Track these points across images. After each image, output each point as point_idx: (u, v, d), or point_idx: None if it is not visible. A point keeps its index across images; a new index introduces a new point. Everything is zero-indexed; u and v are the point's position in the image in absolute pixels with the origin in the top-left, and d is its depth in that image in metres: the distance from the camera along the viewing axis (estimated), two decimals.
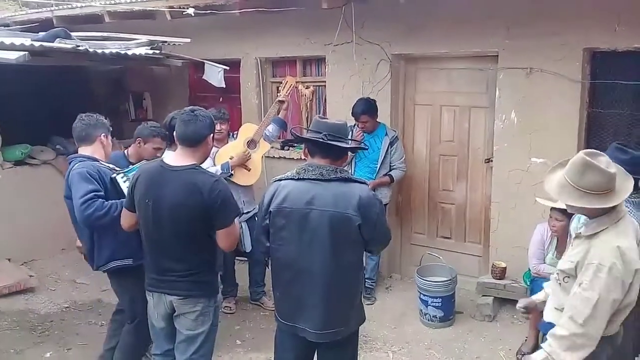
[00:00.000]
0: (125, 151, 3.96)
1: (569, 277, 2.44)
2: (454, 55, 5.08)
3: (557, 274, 2.55)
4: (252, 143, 4.83)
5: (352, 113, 4.97)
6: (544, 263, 4.18)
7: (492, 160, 5.03)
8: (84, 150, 3.35)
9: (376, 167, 4.95)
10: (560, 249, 3.95)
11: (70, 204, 3.22)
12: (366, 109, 4.92)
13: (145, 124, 3.98)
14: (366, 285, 4.76)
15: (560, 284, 2.51)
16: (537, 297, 2.86)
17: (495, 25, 4.71)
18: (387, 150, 4.97)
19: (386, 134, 5.01)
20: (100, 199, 3.09)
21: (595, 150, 2.43)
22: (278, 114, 5.00)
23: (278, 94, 5.13)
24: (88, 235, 3.30)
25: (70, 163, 3.32)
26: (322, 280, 2.62)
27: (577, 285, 2.37)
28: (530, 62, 4.60)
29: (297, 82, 5.67)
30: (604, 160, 2.36)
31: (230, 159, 4.67)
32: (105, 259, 3.30)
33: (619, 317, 2.38)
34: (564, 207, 3.80)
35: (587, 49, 4.42)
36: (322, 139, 2.64)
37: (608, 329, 2.36)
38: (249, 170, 4.75)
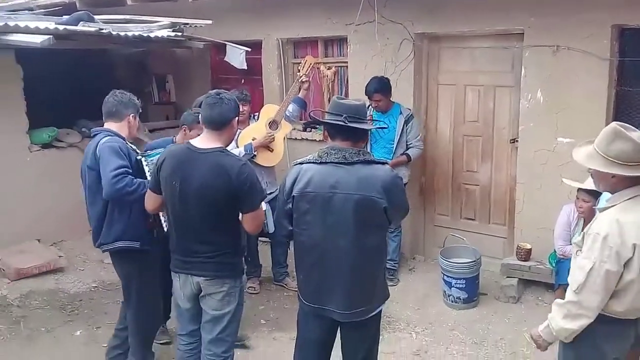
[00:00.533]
0: (173, 137, 3.98)
1: (580, 249, 2.45)
2: (478, 33, 5.00)
3: (573, 247, 2.57)
4: (273, 124, 4.84)
5: (365, 92, 4.93)
6: (570, 244, 4.13)
7: (517, 141, 4.95)
8: (111, 126, 3.35)
9: (393, 146, 4.92)
10: None
11: (93, 174, 3.20)
12: (379, 87, 4.87)
13: (189, 111, 3.97)
14: (388, 266, 4.76)
15: (574, 256, 2.52)
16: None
17: (520, 2, 4.60)
18: (402, 129, 4.91)
19: (401, 113, 4.96)
20: (130, 176, 3.13)
21: (628, 125, 2.39)
22: (298, 93, 4.99)
23: (298, 74, 5.11)
24: (99, 211, 3.27)
25: (95, 135, 3.31)
26: (346, 263, 2.63)
27: (575, 255, 2.45)
28: (556, 40, 4.50)
29: (317, 62, 5.63)
30: (635, 134, 2.32)
31: (253, 140, 4.69)
32: (113, 237, 3.28)
33: (627, 297, 2.33)
34: (591, 187, 3.78)
35: (616, 26, 4.30)
36: (343, 122, 2.62)
37: (617, 308, 2.33)
38: (271, 151, 4.77)
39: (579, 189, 3.94)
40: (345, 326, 2.79)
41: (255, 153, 4.64)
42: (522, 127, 4.85)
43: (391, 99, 5.04)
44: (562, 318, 2.38)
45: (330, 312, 2.70)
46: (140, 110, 3.52)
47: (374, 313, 2.75)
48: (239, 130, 4.64)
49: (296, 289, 4.89)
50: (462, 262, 4.69)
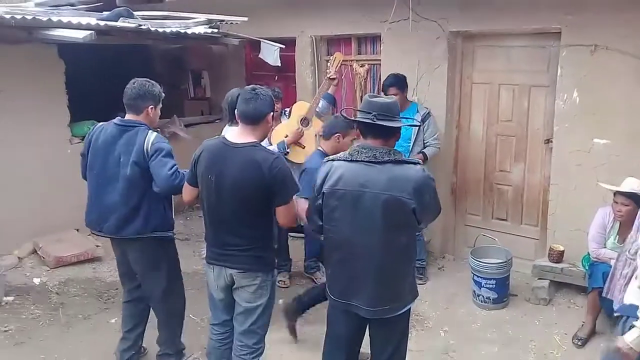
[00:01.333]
0: (321, 148, 4.05)
1: None
2: (513, 32, 4.94)
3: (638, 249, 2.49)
4: (305, 121, 4.90)
5: (382, 87, 4.94)
6: (605, 247, 4.07)
7: (551, 141, 4.89)
8: (132, 117, 3.39)
9: (409, 145, 4.89)
10: (623, 234, 3.83)
11: (137, 170, 3.25)
12: (394, 81, 4.87)
13: (337, 117, 4.01)
14: (416, 265, 4.75)
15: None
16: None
17: (558, 0, 4.53)
18: (419, 127, 4.89)
19: (417, 111, 4.94)
20: (181, 171, 3.23)
21: None
22: (328, 90, 5.02)
23: (327, 71, 5.15)
24: (135, 203, 3.31)
25: (132, 127, 3.32)
26: (374, 261, 2.65)
27: None
28: (594, 39, 4.42)
29: (346, 60, 5.64)
30: None
31: (285, 137, 4.75)
32: (152, 227, 3.35)
33: None
34: (629, 190, 3.72)
35: None
36: (372, 120, 2.64)
37: None
38: (303, 148, 4.83)
39: (617, 193, 3.88)
40: (374, 323, 2.82)
41: (289, 150, 4.70)
42: (557, 128, 4.78)
43: (408, 97, 5.04)
44: None
45: (356, 308, 2.73)
46: (162, 95, 3.47)
47: (402, 311, 2.77)
48: (272, 129, 4.72)
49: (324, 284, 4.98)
50: (492, 262, 4.66)
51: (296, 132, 4.78)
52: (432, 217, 2.84)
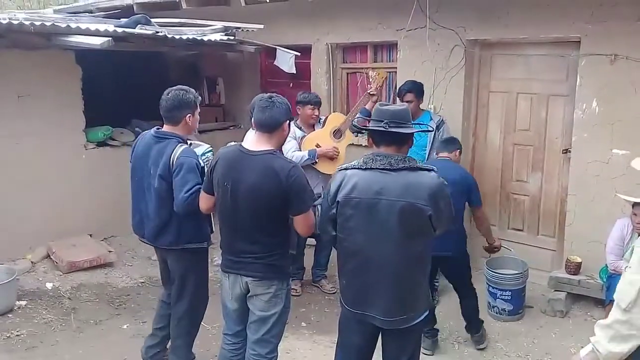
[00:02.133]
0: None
1: (629, 265, 2.32)
2: (532, 40, 4.90)
3: (623, 263, 2.43)
4: (337, 132, 4.89)
5: (397, 92, 4.89)
6: (623, 260, 3.99)
7: (570, 151, 4.82)
8: (170, 129, 3.36)
9: (425, 153, 4.84)
10: None
11: (164, 184, 3.24)
12: (412, 87, 4.81)
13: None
14: None
15: (623, 273, 2.38)
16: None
17: (577, 9, 4.49)
18: (434, 135, 4.82)
19: (431, 119, 4.88)
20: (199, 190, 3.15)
21: None
22: (366, 104, 4.95)
23: (368, 86, 5.07)
24: (167, 215, 3.31)
25: (162, 139, 3.31)
26: (390, 270, 2.61)
27: (625, 270, 2.25)
28: (614, 49, 4.36)
29: (364, 67, 5.62)
30: None
31: (317, 146, 4.73)
32: (186, 240, 3.36)
33: None
34: None
35: None
36: (384, 127, 2.61)
37: None
38: (332, 160, 4.80)
39: (635, 204, 3.80)
40: (387, 333, 2.77)
41: (317, 160, 4.69)
42: (575, 138, 4.71)
43: (424, 105, 5.00)
44: (610, 341, 2.16)
45: (371, 318, 2.69)
46: (199, 99, 3.43)
47: (416, 321, 2.72)
48: (303, 134, 4.73)
49: (331, 292, 4.96)
50: (508, 273, 4.59)
51: (332, 149, 4.77)
52: (446, 224, 2.78)
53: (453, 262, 4.03)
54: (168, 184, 3.25)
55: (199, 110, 3.45)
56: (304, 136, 4.80)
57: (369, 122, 2.79)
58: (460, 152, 4.29)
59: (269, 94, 2.97)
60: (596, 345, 2.21)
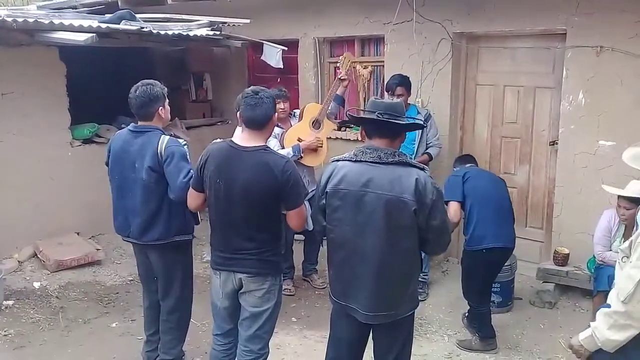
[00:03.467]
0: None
1: (627, 257, 2.36)
2: (518, 33, 4.91)
3: (619, 254, 2.47)
4: (316, 123, 4.86)
5: (386, 87, 4.83)
6: (610, 250, 4.02)
7: (557, 143, 4.85)
8: (145, 123, 3.35)
9: (414, 147, 4.84)
10: (628, 237, 3.77)
11: (154, 175, 3.22)
12: (403, 81, 4.78)
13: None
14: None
15: (619, 263, 2.42)
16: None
17: (563, 1, 4.51)
18: (423, 128, 4.82)
19: (418, 112, 4.87)
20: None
21: None
22: (337, 91, 4.97)
23: (338, 71, 5.09)
24: (154, 209, 3.29)
25: (144, 132, 3.30)
26: (375, 263, 2.60)
27: (626, 264, 2.30)
28: (600, 40, 4.39)
29: (355, 60, 5.60)
30: None
31: (299, 140, 4.71)
32: (175, 232, 3.35)
33: None
34: (633, 195, 3.67)
35: None
36: (377, 116, 2.61)
37: None
38: (315, 151, 4.78)
39: (620, 196, 3.83)
40: (376, 327, 2.77)
41: (302, 155, 4.66)
42: (562, 130, 4.74)
43: (411, 99, 4.99)
44: (608, 329, 2.26)
45: (354, 311, 2.69)
46: (165, 91, 3.40)
47: (401, 317, 2.72)
48: (280, 129, 4.69)
49: (322, 287, 4.96)
50: None
51: (314, 140, 4.73)
52: (437, 240, 2.69)
53: (509, 255, 4.13)
54: (158, 175, 3.22)
55: (167, 100, 3.43)
56: (283, 132, 4.76)
57: (362, 113, 2.79)
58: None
59: (253, 88, 2.93)
60: (595, 330, 2.31)
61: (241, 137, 2.93)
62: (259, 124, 2.86)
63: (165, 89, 3.42)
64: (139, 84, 3.35)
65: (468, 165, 4.34)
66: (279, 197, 2.82)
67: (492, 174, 4.44)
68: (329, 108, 4.95)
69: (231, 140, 2.94)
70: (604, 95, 4.46)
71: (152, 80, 3.39)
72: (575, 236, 4.69)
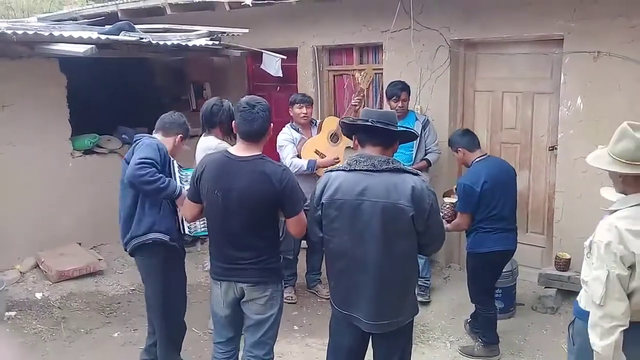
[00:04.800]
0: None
1: (589, 252, 2.41)
2: (516, 39, 4.93)
3: (584, 249, 2.49)
4: (334, 136, 4.86)
5: (389, 94, 4.84)
6: None
7: (556, 148, 4.86)
8: (157, 136, 3.47)
9: (412, 153, 4.85)
10: None
11: (126, 167, 3.27)
12: (405, 86, 4.82)
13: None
14: (419, 283, 4.66)
15: (585, 258, 2.45)
16: None
17: (560, 7, 4.53)
18: (420, 134, 4.81)
19: (416, 119, 4.90)
20: (154, 168, 3.18)
21: None
22: (359, 106, 4.88)
23: (359, 84, 5.00)
24: (129, 206, 3.33)
25: (139, 140, 3.40)
26: (375, 271, 2.61)
27: (590, 266, 2.35)
28: (597, 46, 4.40)
29: (350, 69, 5.59)
30: None
31: (316, 152, 4.72)
32: (144, 230, 3.30)
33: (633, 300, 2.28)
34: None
35: None
36: (371, 122, 2.62)
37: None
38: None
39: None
40: (376, 335, 2.78)
41: (316, 172, 4.64)
42: (561, 135, 4.75)
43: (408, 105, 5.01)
44: (600, 339, 2.26)
45: (356, 320, 2.70)
46: (188, 130, 3.62)
47: (402, 324, 2.73)
48: (301, 136, 4.73)
49: (327, 297, 4.93)
50: None
51: (332, 161, 4.65)
52: (433, 241, 2.76)
53: (510, 256, 4.13)
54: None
55: (180, 136, 3.54)
56: (302, 139, 4.77)
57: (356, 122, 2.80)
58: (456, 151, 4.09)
59: (248, 101, 2.88)
60: (594, 347, 2.29)
61: (237, 147, 2.93)
62: (255, 137, 2.86)
63: (186, 128, 3.59)
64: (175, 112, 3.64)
65: (478, 155, 3.98)
66: (276, 205, 2.83)
67: (505, 167, 4.06)
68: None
69: (226, 151, 2.95)
70: (602, 100, 4.47)
71: (178, 113, 3.63)
72: (576, 241, 4.66)
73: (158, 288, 3.42)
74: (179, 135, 3.50)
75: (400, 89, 4.81)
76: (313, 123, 5.00)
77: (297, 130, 4.85)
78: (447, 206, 4.05)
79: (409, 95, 4.88)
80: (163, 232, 3.34)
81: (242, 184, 2.79)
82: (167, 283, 3.42)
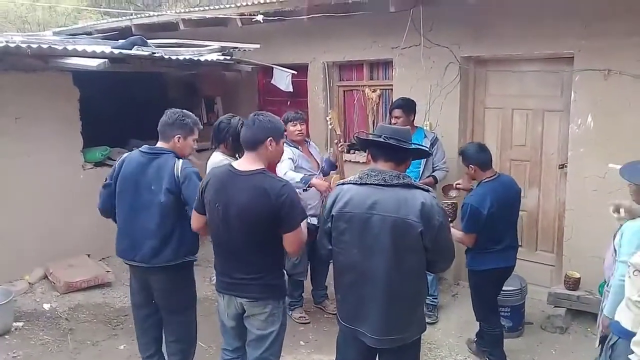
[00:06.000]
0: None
1: (635, 270, 2.33)
2: (526, 57, 4.93)
3: (629, 267, 2.43)
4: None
5: (390, 110, 4.89)
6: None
7: (566, 166, 4.83)
8: (162, 144, 3.42)
9: (420, 170, 4.83)
10: None
11: (171, 197, 3.26)
12: (402, 103, 4.81)
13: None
14: (427, 302, 4.63)
15: (630, 277, 2.39)
16: None
17: (570, 25, 4.53)
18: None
19: (425, 136, 4.88)
20: None
21: None
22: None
23: (331, 126, 4.96)
24: (167, 231, 3.30)
25: (160, 154, 3.35)
26: (383, 286, 2.60)
27: (633, 285, 2.29)
28: (608, 64, 4.40)
29: (360, 85, 5.56)
30: None
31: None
32: (184, 252, 3.36)
33: None
34: None
35: None
36: (384, 139, 2.63)
37: None
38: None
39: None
40: (383, 352, 2.76)
41: (308, 189, 4.55)
42: (571, 153, 4.73)
43: (420, 122, 5.00)
44: None
45: (362, 335, 2.68)
46: (195, 131, 3.49)
47: (410, 341, 2.71)
48: (299, 153, 4.69)
49: (333, 312, 4.90)
50: (507, 289, 4.54)
51: (325, 187, 4.51)
52: (442, 259, 2.75)
53: (511, 272, 4.09)
54: (175, 196, 3.27)
55: (194, 136, 3.49)
56: (300, 155, 4.74)
57: (369, 137, 2.82)
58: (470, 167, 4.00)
59: (256, 112, 2.99)
60: None
61: (240, 161, 2.95)
62: (250, 143, 2.89)
63: (199, 126, 3.52)
64: (177, 109, 3.47)
65: (489, 175, 3.91)
66: (275, 221, 2.79)
67: (513, 188, 4.00)
68: (325, 168, 4.88)
69: (231, 165, 2.97)
70: (612, 119, 4.45)
71: (189, 113, 3.51)
72: (587, 260, 4.63)
73: (183, 300, 3.50)
74: (176, 137, 3.39)
75: (396, 106, 4.82)
76: (307, 142, 4.96)
77: (297, 147, 4.79)
78: (448, 204, 4.04)
79: (408, 112, 4.81)
80: (196, 253, 3.50)
81: (242, 199, 2.79)
82: (192, 298, 3.56)
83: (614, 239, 2.96)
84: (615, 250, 2.90)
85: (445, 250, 2.72)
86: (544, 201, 5.14)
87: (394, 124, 4.76)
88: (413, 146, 2.78)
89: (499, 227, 3.80)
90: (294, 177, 4.46)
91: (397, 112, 4.79)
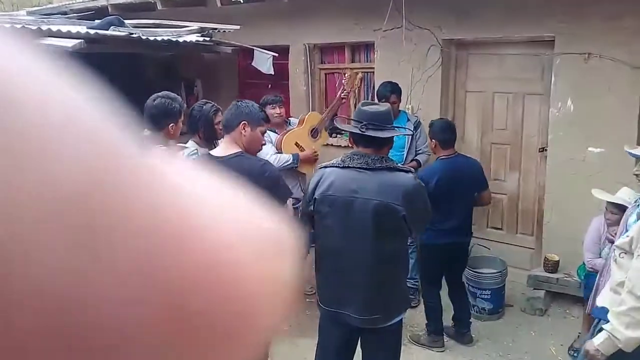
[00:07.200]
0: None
1: (625, 252, 2.35)
2: (507, 40, 4.93)
3: (614, 251, 2.46)
4: (315, 132, 4.83)
5: (378, 95, 4.81)
6: (600, 257, 4.02)
7: (546, 150, 4.86)
8: (155, 135, 3.24)
9: (403, 153, 4.82)
10: None
11: None
12: (395, 88, 4.79)
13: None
14: (409, 285, 4.66)
15: (615, 260, 2.41)
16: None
17: (551, 8, 4.53)
18: (412, 136, 4.80)
19: (408, 120, 4.88)
20: None
21: None
22: (337, 109, 4.91)
23: (341, 82, 5.01)
24: None
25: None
26: (365, 268, 2.61)
27: (635, 258, 2.28)
28: (588, 47, 4.40)
29: (342, 68, 5.58)
30: None
31: (296, 145, 4.68)
32: None
33: None
34: (620, 201, 3.69)
35: None
36: (361, 130, 2.60)
37: None
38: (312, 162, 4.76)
39: (608, 202, 3.84)
40: (365, 333, 2.77)
41: (298, 165, 4.61)
42: (551, 136, 4.75)
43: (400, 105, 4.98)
44: (626, 328, 2.21)
45: (346, 317, 2.69)
46: (184, 108, 3.38)
47: (393, 321, 2.72)
48: (275, 134, 4.67)
49: (310, 292, 4.91)
50: (487, 272, 4.61)
51: (311, 155, 4.65)
52: (422, 225, 2.85)
53: (467, 249, 4.21)
54: None
55: (182, 118, 3.39)
56: (277, 138, 4.73)
57: (349, 122, 2.79)
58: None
59: (240, 99, 2.99)
60: (614, 332, 2.25)
61: (217, 147, 2.94)
62: (225, 127, 2.88)
63: (185, 106, 3.40)
64: (160, 94, 3.28)
65: (447, 153, 3.99)
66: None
67: (468, 166, 4.07)
68: (326, 123, 4.92)
69: (208, 152, 2.95)
70: (592, 102, 4.47)
71: (174, 95, 3.34)
72: (565, 243, 4.69)
73: None
74: (170, 125, 3.23)
75: (390, 91, 4.78)
76: (287, 122, 4.94)
77: (274, 131, 4.75)
78: None
79: (400, 97, 4.83)
80: None
81: None
82: None
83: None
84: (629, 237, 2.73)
85: (424, 221, 2.84)
86: (524, 184, 5.18)
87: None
88: (389, 135, 2.72)
89: (445, 206, 3.83)
90: (287, 158, 4.45)
91: (393, 97, 4.76)
